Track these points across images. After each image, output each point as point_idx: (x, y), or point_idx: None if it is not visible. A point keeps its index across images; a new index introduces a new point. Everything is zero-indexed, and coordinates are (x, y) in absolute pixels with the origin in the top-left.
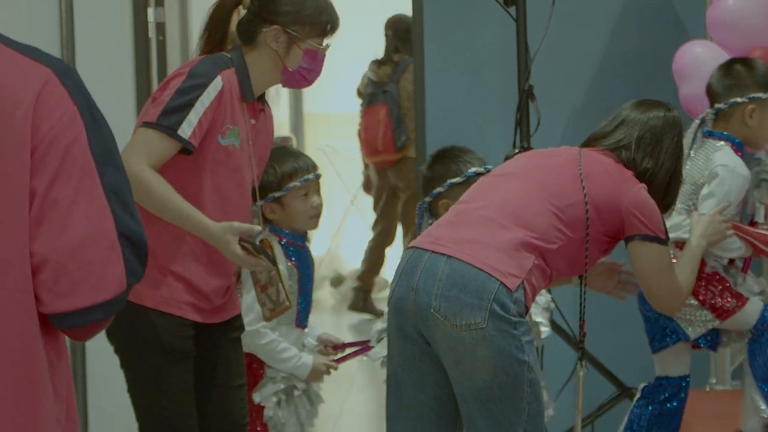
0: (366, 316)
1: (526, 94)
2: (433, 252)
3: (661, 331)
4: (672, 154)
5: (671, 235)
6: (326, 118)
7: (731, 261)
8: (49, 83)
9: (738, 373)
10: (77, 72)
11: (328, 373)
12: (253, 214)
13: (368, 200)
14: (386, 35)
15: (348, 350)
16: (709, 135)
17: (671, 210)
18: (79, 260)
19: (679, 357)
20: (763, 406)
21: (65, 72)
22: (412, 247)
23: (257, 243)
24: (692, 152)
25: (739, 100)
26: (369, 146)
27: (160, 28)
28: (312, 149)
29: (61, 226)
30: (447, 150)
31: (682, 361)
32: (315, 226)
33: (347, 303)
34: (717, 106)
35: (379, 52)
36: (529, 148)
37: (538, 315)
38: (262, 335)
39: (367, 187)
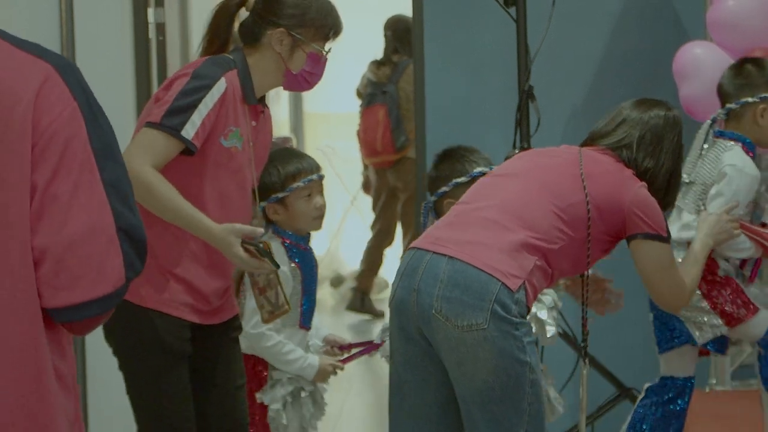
0: (364, 317)
1: (526, 95)
2: (434, 253)
3: (669, 332)
4: (672, 153)
5: (683, 235)
6: (326, 118)
7: (742, 264)
8: (50, 79)
9: (738, 374)
10: (78, 68)
11: (335, 373)
12: (253, 215)
13: (368, 201)
14: (385, 36)
15: (354, 350)
16: (720, 135)
17: (671, 208)
18: (78, 255)
19: (685, 358)
20: None
21: (66, 68)
22: (413, 247)
23: (260, 245)
24: (703, 152)
25: (750, 99)
26: (368, 147)
27: (160, 28)
28: (312, 149)
29: (61, 221)
30: (453, 149)
31: (687, 363)
32: (318, 227)
33: (346, 303)
34: (728, 106)
35: (380, 52)
36: (528, 149)
37: (544, 314)
38: (268, 338)
39: (366, 187)
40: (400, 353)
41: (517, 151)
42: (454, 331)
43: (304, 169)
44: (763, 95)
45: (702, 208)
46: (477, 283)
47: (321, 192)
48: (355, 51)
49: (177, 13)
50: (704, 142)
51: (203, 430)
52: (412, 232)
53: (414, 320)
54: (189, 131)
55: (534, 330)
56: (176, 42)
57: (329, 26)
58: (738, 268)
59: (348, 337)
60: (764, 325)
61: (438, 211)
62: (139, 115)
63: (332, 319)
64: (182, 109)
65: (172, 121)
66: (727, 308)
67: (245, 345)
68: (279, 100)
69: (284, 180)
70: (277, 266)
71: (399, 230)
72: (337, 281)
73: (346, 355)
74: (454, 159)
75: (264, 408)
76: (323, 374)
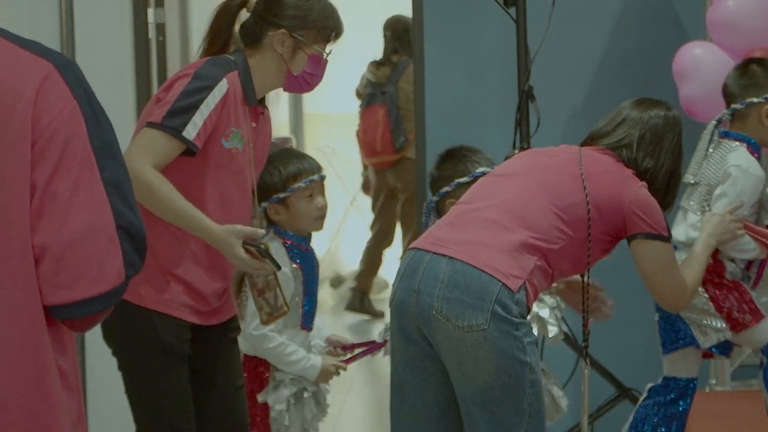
0: (364, 317)
1: (525, 95)
2: (434, 253)
3: (674, 333)
4: (672, 153)
5: (692, 235)
6: (326, 118)
7: (749, 265)
8: (50, 77)
9: (738, 374)
10: (78, 66)
11: (338, 373)
12: (252, 216)
13: (368, 201)
14: (385, 36)
15: (357, 350)
16: (725, 135)
17: (670, 209)
18: (78, 253)
19: (689, 360)
20: None
21: (66, 66)
22: (413, 248)
23: (261, 246)
24: (708, 153)
25: (755, 100)
26: (367, 147)
27: (160, 28)
28: (312, 150)
29: (61, 220)
30: (455, 149)
31: (691, 365)
32: (320, 227)
33: (345, 303)
34: (733, 106)
35: (379, 53)
36: (528, 149)
37: (546, 313)
38: (270, 339)
39: (365, 187)
40: (400, 354)
41: (516, 152)
42: (455, 332)
43: (306, 169)
44: None
45: (707, 209)
46: (477, 283)
47: (322, 192)
48: (355, 51)
49: (177, 14)
50: (709, 143)
51: (203, 431)
52: (412, 232)
53: (414, 321)
54: (190, 132)
55: (536, 329)
56: (176, 42)
57: (331, 28)
58: (744, 270)
59: (347, 338)
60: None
61: (440, 211)
62: (138, 116)
63: (332, 320)
64: (184, 110)
65: (173, 121)
66: (733, 313)
67: (247, 346)
68: (279, 101)
69: (286, 180)
70: (279, 267)
71: (398, 230)
72: (336, 281)
73: (348, 356)
74: (456, 159)
75: (266, 408)
76: (326, 375)
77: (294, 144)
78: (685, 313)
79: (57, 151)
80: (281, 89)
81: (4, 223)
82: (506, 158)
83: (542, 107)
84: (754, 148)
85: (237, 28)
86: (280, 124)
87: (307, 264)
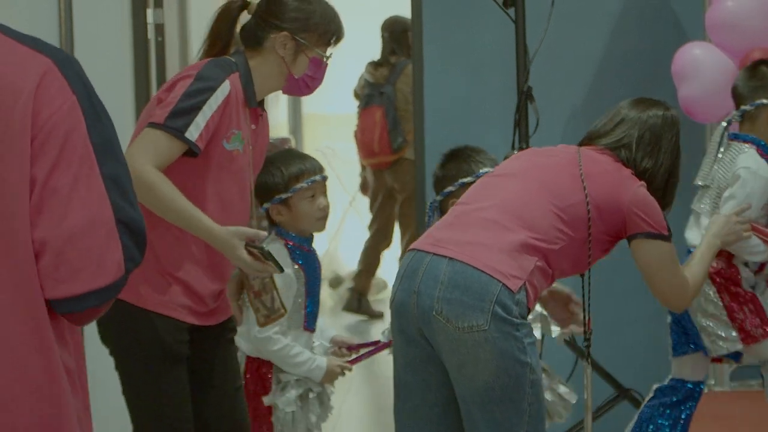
0: (361, 317)
1: (524, 95)
2: (434, 254)
3: (686, 337)
4: (671, 153)
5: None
6: (325, 119)
7: (761, 267)
8: (49, 73)
9: (736, 375)
10: (78, 62)
11: (343, 374)
12: (250, 217)
13: (366, 202)
14: (383, 37)
15: (362, 351)
16: (735, 138)
17: (669, 209)
18: (78, 247)
19: (698, 364)
20: None
21: (65, 62)
22: (413, 249)
23: (264, 248)
24: (719, 155)
25: (765, 101)
26: (365, 148)
27: (159, 29)
28: (311, 150)
29: (61, 214)
30: (460, 149)
31: (699, 369)
32: (322, 228)
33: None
34: (743, 108)
35: (379, 53)
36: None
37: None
38: (275, 341)
39: (364, 188)
40: (401, 355)
41: (515, 152)
42: (455, 333)
43: (307, 170)
44: None
45: (718, 212)
46: (477, 284)
47: (324, 193)
48: (355, 52)
49: (176, 14)
50: (719, 145)
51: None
52: (411, 232)
53: (414, 322)
54: (193, 133)
55: (540, 329)
56: (175, 43)
57: (332, 32)
58: (756, 273)
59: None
60: None
61: (443, 211)
62: (137, 116)
63: (330, 320)
64: (186, 111)
65: (176, 122)
66: (746, 326)
67: (249, 348)
68: (278, 102)
69: (288, 181)
70: (281, 269)
71: (397, 231)
72: (335, 282)
73: (354, 356)
74: (460, 159)
75: (268, 409)
76: (331, 375)
77: (293, 144)
78: (696, 318)
79: (56, 146)
80: (280, 91)
81: (4, 218)
82: (505, 158)
83: (541, 108)
84: (764, 150)
85: (237, 29)
86: (279, 125)
87: (309, 265)
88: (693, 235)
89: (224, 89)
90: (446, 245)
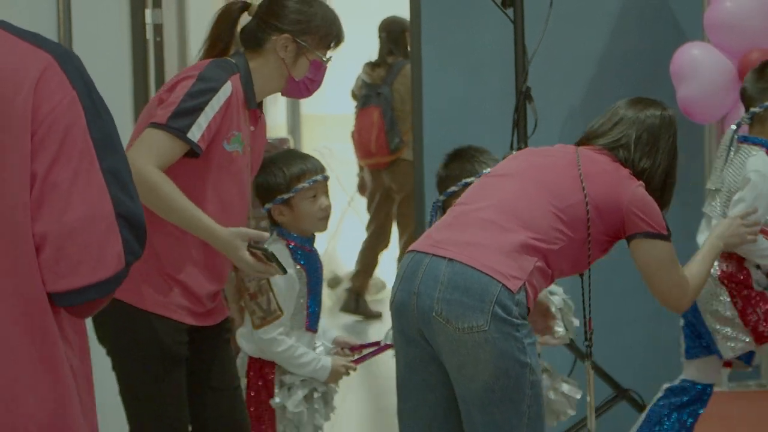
0: (357, 318)
1: (523, 96)
2: (433, 255)
3: (698, 339)
4: (668, 153)
5: None
6: (323, 119)
7: None
8: (50, 68)
9: (735, 376)
10: (78, 57)
11: (347, 374)
12: (248, 217)
13: (365, 202)
14: (380, 37)
15: (365, 351)
16: (744, 140)
17: (667, 209)
18: (78, 242)
19: (710, 367)
20: None
21: (65, 57)
22: (412, 250)
23: (267, 249)
24: (729, 158)
25: None
26: (362, 148)
27: (158, 29)
28: (309, 150)
29: (61, 209)
30: (463, 149)
31: (711, 372)
32: (324, 227)
33: (341, 304)
34: (752, 110)
35: (377, 54)
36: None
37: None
38: (279, 342)
39: (362, 188)
40: (402, 356)
41: (514, 153)
42: (455, 334)
43: (309, 170)
44: None
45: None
46: (477, 284)
47: (326, 193)
48: (353, 52)
49: (174, 15)
50: (729, 148)
51: None
52: (409, 232)
53: (414, 323)
54: (195, 134)
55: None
56: (174, 43)
57: (333, 35)
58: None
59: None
60: None
61: (446, 211)
62: (136, 116)
63: (328, 321)
64: (188, 111)
65: (178, 122)
66: (759, 327)
67: (252, 349)
68: (276, 102)
69: (289, 181)
70: (284, 271)
71: (395, 231)
72: (334, 282)
73: (357, 356)
74: (464, 159)
75: (270, 410)
76: (336, 375)
77: (291, 145)
78: (709, 321)
79: (56, 140)
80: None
81: (5, 212)
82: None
83: (540, 108)
84: None
85: (237, 31)
86: (277, 126)
87: (311, 265)
88: (704, 238)
89: (226, 90)
90: (445, 246)
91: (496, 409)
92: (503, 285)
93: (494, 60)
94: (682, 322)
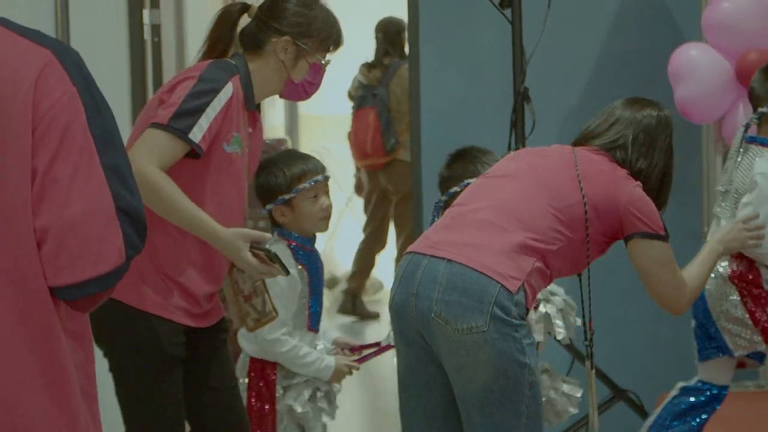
0: (353, 318)
1: (521, 96)
2: (432, 256)
3: (709, 341)
4: (665, 153)
5: None
6: (321, 119)
7: None
8: (50, 65)
9: (733, 376)
10: (78, 54)
11: (350, 373)
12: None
13: (362, 202)
14: (376, 38)
15: (365, 351)
16: (752, 140)
17: (664, 209)
18: (78, 236)
19: (723, 368)
20: None
21: (65, 54)
22: (411, 252)
23: (270, 250)
24: (739, 158)
25: None
26: (359, 149)
27: (156, 30)
28: (307, 151)
29: (61, 204)
30: (466, 150)
31: (725, 373)
32: (325, 227)
33: (338, 305)
34: (760, 110)
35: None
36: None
37: (552, 311)
38: (283, 343)
39: (359, 189)
40: (401, 357)
41: (511, 153)
42: (454, 335)
43: (310, 170)
44: None
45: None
46: (476, 285)
47: (327, 193)
48: (352, 53)
49: (172, 15)
50: (739, 149)
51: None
52: (406, 233)
53: (413, 324)
54: (196, 134)
55: (542, 331)
56: (171, 43)
57: (333, 38)
58: None
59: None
60: None
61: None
62: (134, 117)
63: (326, 322)
64: (190, 112)
65: (179, 123)
66: None
67: (254, 349)
68: (274, 103)
69: (290, 181)
70: (287, 272)
71: (392, 232)
72: (332, 283)
73: (360, 356)
74: (467, 159)
75: (271, 410)
76: (339, 375)
77: (289, 145)
78: (719, 321)
79: (56, 136)
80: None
81: (6, 208)
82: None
83: (538, 109)
84: None
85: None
86: (275, 126)
87: (312, 265)
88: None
89: (227, 91)
90: (444, 247)
91: (495, 409)
92: (502, 285)
93: (492, 60)
94: (693, 324)
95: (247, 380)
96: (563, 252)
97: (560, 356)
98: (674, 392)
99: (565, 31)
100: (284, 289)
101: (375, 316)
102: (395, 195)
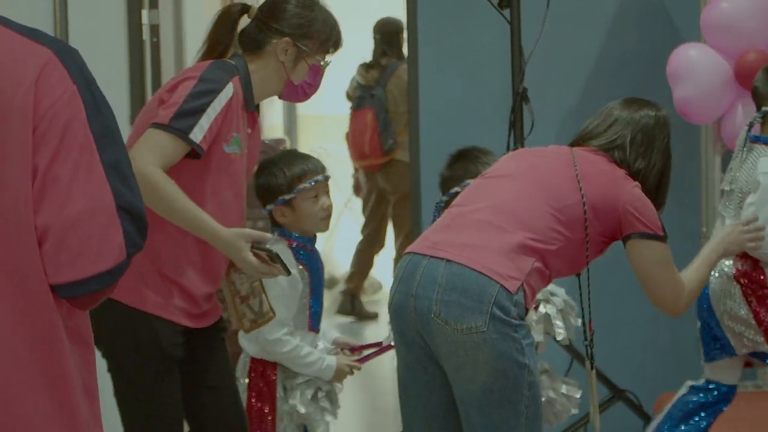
0: (350, 319)
1: (519, 97)
2: (431, 257)
3: (713, 342)
4: (662, 154)
5: None
6: (320, 119)
7: None
8: (50, 63)
9: None
10: (78, 52)
11: (352, 373)
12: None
13: (361, 203)
14: (374, 39)
15: (366, 352)
16: (756, 140)
17: (662, 209)
18: (78, 234)
19: (730, 368)
20: None
21: (65, 52)
22: (410, 252)
23: (272, 250)
24: (743, 157)
25: None
26: (356, 150)
27: (154, 30)
28: (306, 151)
29: (62, 202)
30: (467, 150)
31: (732, 373)
32: (326, 227)
33: (336, 306)
34: (764, 108)
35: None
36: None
37: (553, 312)
38: (284, 343)
39: (357, 189)
40: (401, 357)
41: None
42: (454, 335)
43: (310, 170)
44: None
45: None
46: (475, 285)
47: (327, 192)
48: (351, 53)
49: (171, 15)
50: (743, 148)
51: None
52: (404, 233)
53: (412, 325)
54: (197, 134)
55: (541, 332)
56: (170, 44)
57: (333, 40)
58: None
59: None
60: None
61: None
62: (132, 117)
63: (325, 322)
64: (191, 112)
65: (180, 123)
66: None
67: (255, 349)
68: (272, 102)
69: (291, 182)
70: (289, 272)
71: (390, 232)
72: (330, 283)
73: (361, 355)
74: (468, 160)
75: (271, 411)
76: (340, 374)
77: (288, 146)
78: (724, 321)
79: (57, 135)
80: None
81: (8, 206)
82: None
83: (536, 109)
84: None
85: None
86: (274, 126)
87: (313, 265)
88: None
89: (228, 92)
90: (443, 248)
91: (494, 410)
92: (501, 286)
93: (491, 61)
94: (698, 324)
95: (247, 380)
96: (562, 252)
97: (560, 357)
98: (683, 390)
99: (564, 32)
100: (285, 289)
101: (373, 317)
102: (393, 195)
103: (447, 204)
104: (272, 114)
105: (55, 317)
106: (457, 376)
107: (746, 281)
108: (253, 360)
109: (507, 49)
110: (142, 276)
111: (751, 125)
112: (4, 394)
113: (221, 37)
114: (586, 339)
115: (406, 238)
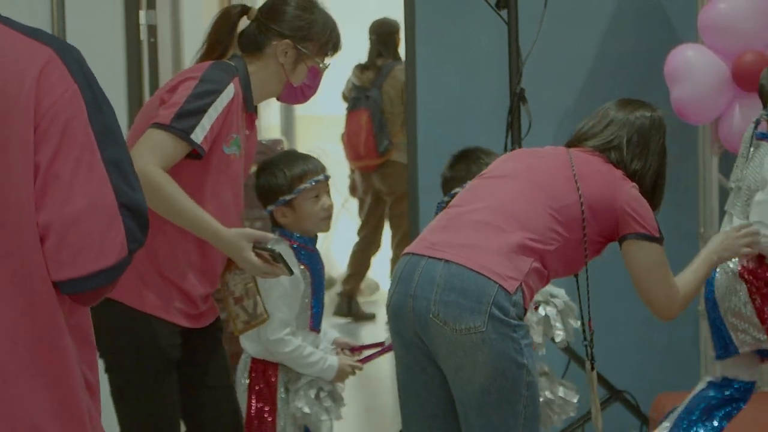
0: (347, 320)
1: (517, 97)
2: (429, 257)
3: (723, 341)
4: (658, 154)
5: None
6: (317, 120)
7: None
8: (51, 62)
9: None
10: (79, 51)
11: (353, 373)
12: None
13: (357, 203)
14: (370, 40)
15: (365, 352)
16: (763, 137)
17: (658, 210)
18: (79, 231)
19: (745, 365)
20: None
21: (67, 51)
22: (408, 253)
23: (274, 250)
24: (749, 155)
25: None
26: (352, 151)
27: (152, 30)
28: (303, 151)
29: (63, 200)
30: (469, 150)
31: (748, 369)
32: (327, 227)
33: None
34: None
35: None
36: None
37: (552, 313)
38: (286, 343)
39: (353, 190)
40: (399, 358)
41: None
42: (452, 335)
43: (311, 170)
44: None
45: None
46: (474, 286)
47: (328, 192)
48: (350, 53)
49: (169, 16)
50: (749, 146)
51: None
52: (402, 233)
53: (411, 325)
54: (198, 135)
55: (539, 333)
56: (168, 44)
57: (332, 42)
58: None
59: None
60: None
61: None
62: (130, 117)
63: (324, 322)
64: (192, 113)
65: (182, 123)
66: None
67: (256, 349)
68: (270, 103)
69: (291, 182)
70: (291, 272)
71: (387, 232)
72: (328, 284)
73: (363, 355)
74: (469, 160)
75: (271, 411)
76: (342, 374)
77: (285, 146)
78: (728, 317)
79: (58, 133)
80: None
81: (10, 203)
82: None
83: (534, 109)
84: None
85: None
86: (271, 126)
87: (314, 265)
88: None
89: (229, 93)
90: (441, 248)
91: (493, 410)
92: (500, 286)
93: (488, 61)
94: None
95: (248, 381)
96: (560, 252)
97: (558, 358)
98: (701, 386)
99: (562, 32)
100: (288, 289)
101: (371, 318)
102: (389, 196)
103: (448, 204)
104: (269, 114)
105: (57, 315)
106: (456, 376)
107: (752, 278)
108: (254, 360)
109: (504, 50)
110: (142, 277)
111: (757, 123)
112: (5, 393)
113: (221, 38)
114: (585, 339)
115: (402, 238)
